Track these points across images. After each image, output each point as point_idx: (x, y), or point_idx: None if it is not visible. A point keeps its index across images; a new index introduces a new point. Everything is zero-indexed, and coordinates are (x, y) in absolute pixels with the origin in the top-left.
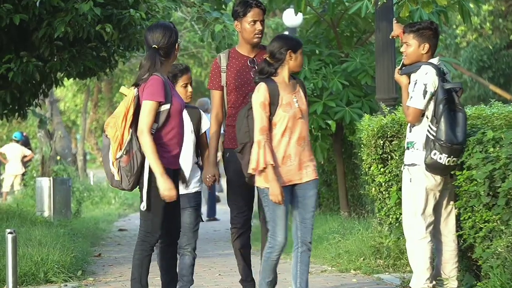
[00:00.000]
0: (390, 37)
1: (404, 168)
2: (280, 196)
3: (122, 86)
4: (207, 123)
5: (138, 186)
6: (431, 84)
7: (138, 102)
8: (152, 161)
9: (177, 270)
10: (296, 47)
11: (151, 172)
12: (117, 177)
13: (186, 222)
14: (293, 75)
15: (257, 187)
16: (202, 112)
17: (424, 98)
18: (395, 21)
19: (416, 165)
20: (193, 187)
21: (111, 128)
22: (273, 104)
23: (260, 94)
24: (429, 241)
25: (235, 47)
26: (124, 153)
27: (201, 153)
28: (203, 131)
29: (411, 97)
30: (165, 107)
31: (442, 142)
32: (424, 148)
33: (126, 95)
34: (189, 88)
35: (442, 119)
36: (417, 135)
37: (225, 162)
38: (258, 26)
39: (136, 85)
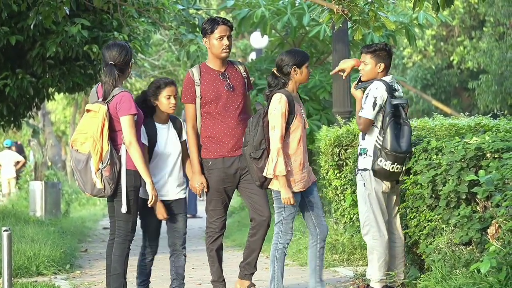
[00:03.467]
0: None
1: (357, 173)
2: (292, 199)
3: (88, 104)
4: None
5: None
6: (380, 97)
7: (110, 116)
8: (143, 170)
9: (173, 270)
10: (301, 62)
11: (127, 178)
12: (100, 186)
13: (180, 227)
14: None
15: (273, 190)
16: (182, 121)
17: (374, 109)
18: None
19: (367, 170)
20: (183, 193)
21: (82, 144)
22: (291, 113)
23: (282, 104)
24: (387, 237)
25: (205, 63)
26: (108, 163)
27: (183, 160)
28: (183, 139)
29: (363, 108)
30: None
31: (387, 151)
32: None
33: (94, 111)
34: (172, 100)
35: (388, 130)
36: (369, 143)
37: (207, 171)
38: (225, 41)
39: (104, 100)
